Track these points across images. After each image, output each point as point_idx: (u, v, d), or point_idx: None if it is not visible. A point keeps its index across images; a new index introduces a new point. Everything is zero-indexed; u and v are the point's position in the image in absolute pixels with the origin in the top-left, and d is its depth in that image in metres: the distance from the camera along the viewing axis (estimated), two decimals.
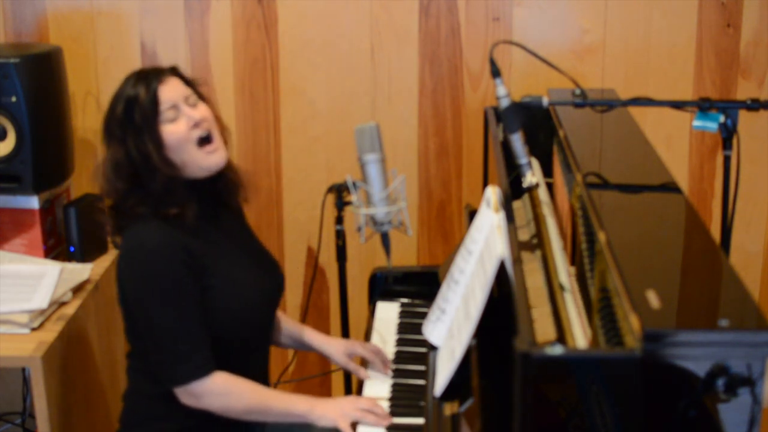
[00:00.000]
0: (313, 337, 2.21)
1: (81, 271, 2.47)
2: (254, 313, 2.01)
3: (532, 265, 1.80)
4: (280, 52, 2.82)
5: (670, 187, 1.72)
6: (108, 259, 2.64)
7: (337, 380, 3.05)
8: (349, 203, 2.22)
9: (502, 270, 1.70)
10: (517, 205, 2.13)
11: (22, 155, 2.44)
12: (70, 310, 2.32)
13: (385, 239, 2.13)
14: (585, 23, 2.78)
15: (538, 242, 1.86)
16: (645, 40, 2.78)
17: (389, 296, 2.41)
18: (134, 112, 1.90)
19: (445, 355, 1.91)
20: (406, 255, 2.92)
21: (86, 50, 2.82)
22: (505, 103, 1.90)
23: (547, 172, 2.20)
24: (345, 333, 2.45)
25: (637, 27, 2.77)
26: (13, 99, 2.40)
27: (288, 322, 2.23)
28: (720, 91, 2.80)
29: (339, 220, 2.30)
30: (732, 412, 1.22)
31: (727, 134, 1.97)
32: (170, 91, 1.93)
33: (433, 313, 2.04)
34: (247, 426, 1.96)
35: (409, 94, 2.85)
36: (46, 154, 2.49)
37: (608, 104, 2.01)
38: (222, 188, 2.04)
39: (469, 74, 2.82)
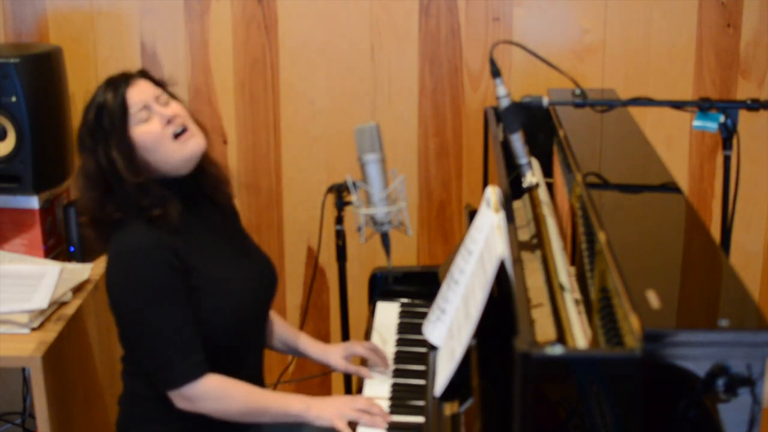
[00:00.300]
0: (309, 346, 2.20)
1: (81, 271, 2.47)
2: (245, 312, 2.00)
3: (532, 265, 1.80)
4: (280, 52, 2.82)
5: (670, 187, 1.72)
6: None
7: (337, 380, 3.05)
8: (349, 203, 2.22)
9: (502, 270, 1.70)
10: (517, 205, 2.13)
11: (22, 155, 2.44)
12: (70, 310, 2.32)
13: (385, 239, 2.13)
14: (585, 23, 2.78)
15: (538, 242, 1.86)
16: (645, 40, 2.78)
17: (389, 296, 2.41)
18: (103, 118, 1.90)
19: (445, 355, 1.91)
20: (406, 255, 2.92)
21: (86, 50, 2.82)
22: (505, 103, 1.90)
23: (547, 172, 2.20)
24: (345, 333, 2.45)
25: (637, 27, 2.77)
26: (13, 99, 2.40)
27: (284, 328, 2.21)
28: (720, 91, 2.80)
29: (339, 220, 2.30)
30: (732, 412, 1.22)
31: (727, 134, 1.97)
32: (139, 93, 1.92)
33: (433, 313, 2.04)
34: (242, 428, 1.96)
35: (409, 94, 2.85)
36: (46, 154, 2.49)
37: (608, 104, 2.01)
38: (205, 185, 2.03)
39: (469, 74, 2.82)
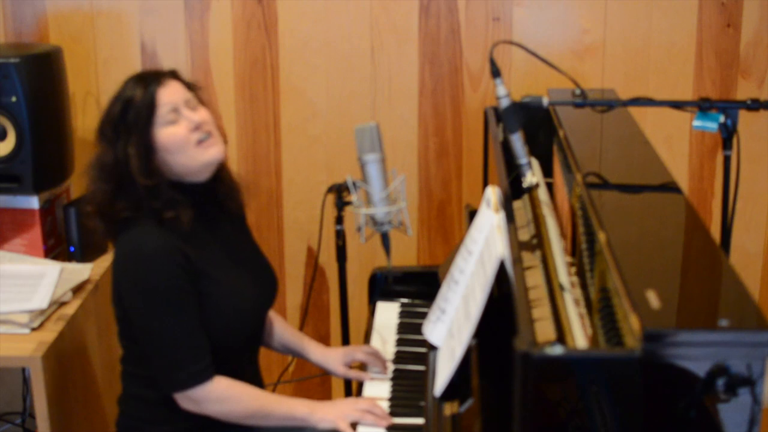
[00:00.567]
0: (309, 349, 2.21)
1: (81, 271, 2.47)
2: (245, 320, 2.00)
3: (532, 265, 1.80)
4: (280, 52, 2.82)
5: (670, 187, 1.72)
6: (108, 259, 2.64)
7: (337, 381, 3.05)
8: (349, 203, 2.22)
9: (502, 270, 1.70)
10: (517, 205, 2.13)
11: (22, 155, 2.44)
12: (70, 310, 2.32)
13: (385, 239, 2.13)
14: (585, 23, 2.78)
15: (538, 242, 1.86)
16: (645, 40, 2.78)
17: (389, 296, 2.41)
18: (129, 114, 1.88)
19: (445, 355, 1.91)
20: (406, 255, 2.92)
21: (86, 50, 2.82)
22: (505, 103, 1.90)
23: (547, 172, 2.20)
24: (345, 333, 2.45)
25: (637, 27, 2.77)
26: (13, 99, 2.40)
27: (284, 329, 2.21)
28: (720, 91, 2.80)
29: (339, 220, 2.30)
30: (732, 412, 1.22)
31: (727, 134, 1.97)
32: (170, 94, 1.91)
33: (433, 313, 2.04)
34: (245, 429, 1.96)
35: (409, 94, 2.85)
36: (46, 154, 2.49)
37: (608, 104, 2.01)
38: (219, 192, 2.03)
39: (469, 74, 2.82)
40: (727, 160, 2.01)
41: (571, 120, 2.10)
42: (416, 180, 2.90)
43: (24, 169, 2.45)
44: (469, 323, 1.77)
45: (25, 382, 2.70)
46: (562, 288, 1.64)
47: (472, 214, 2.12)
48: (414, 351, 2.16)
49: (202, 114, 1.94)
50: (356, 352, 2.14)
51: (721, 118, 1.95)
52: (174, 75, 1.97)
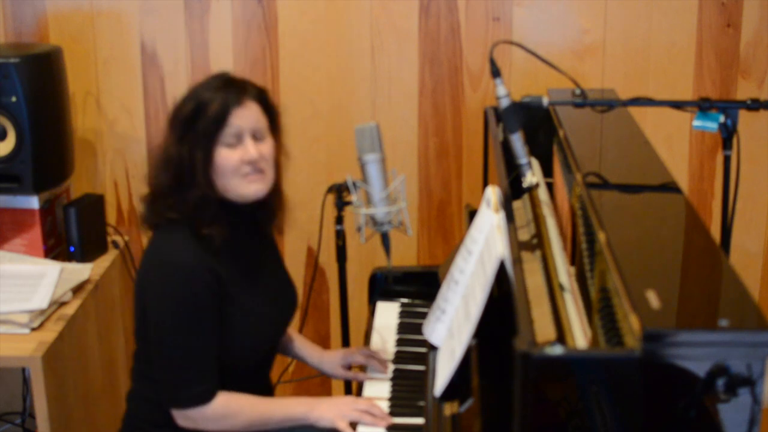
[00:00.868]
0: (306, 350, 2.21)
1: (81, 271, 2.47)
2: (262, 341, 2.02)
3: (532, 265, 1.80)
4: (280, 52, 2.82)
5: (670, 187, 1.72)
6: (108, 259, 2.64)
7: (337, 381, 3.05)
8: (349, 203, 2.22)
9: (502, 270, 1.70)
10: (517, 205, 2.13)
11: (22, 155, 2.44)
12: (70, 310, 2.32)
13: (385, 239, 2.13)
14: (585, 23, 2.78)
15: (538, 242, 1.86)
16: (645, 40, 2.78)
17: (389, 296, 2.42)
18: (199, 120, 1.85)
19: (445, 355, 1.91)
20: (406, 255, 2.92)
21: (86, 50, 2.82)
22: (505, 103, 1.90)
23: (547, 172, 2.20)
24: (345, 332, 2.45)
25: (637, 27, 2.77)
26: (13, 99, 2.40)
27: (287, 334, 2.22)
28: (720, 91, 2.80)
29: (339, 220, 2.30)
30: (732, 412, 1.22)
31: (727, 134, 1.97)
32: (242, 117, 1.87)
33: (433, 313, 2.04)
34: None
35: (409, 94, 2.85)
36: (46, 154, 2.49)
37: (608, 104, 2.01)
38: (261, 216, 2.01)
39: (469, 74, 2.82)
40: (727, 160, 2.01)
41: (571, 120, 2.10)
42: (416, 180, 2.90)
43: (24, 169, 2.45)
44: (469, 323, 1.77)
45: (25, 382, 2.70)
46: (562, 288, 1.64)
47: (472, 214, 2.12)
48: (414, 351, 2.16)
49: (263, 148, 1.90)
50: (355, 355, 2.14)
51: (721, 118, 1.95)
52: (258, 96, 1.91)
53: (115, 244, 2.72)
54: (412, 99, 2.85)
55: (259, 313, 1.97)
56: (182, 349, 1.85)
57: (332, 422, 1.89)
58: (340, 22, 2.79)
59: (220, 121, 1.85)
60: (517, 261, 1.59)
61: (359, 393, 2.05)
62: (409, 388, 2.02)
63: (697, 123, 1.96)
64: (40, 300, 2.26)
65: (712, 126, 1.96)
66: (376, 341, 2.22)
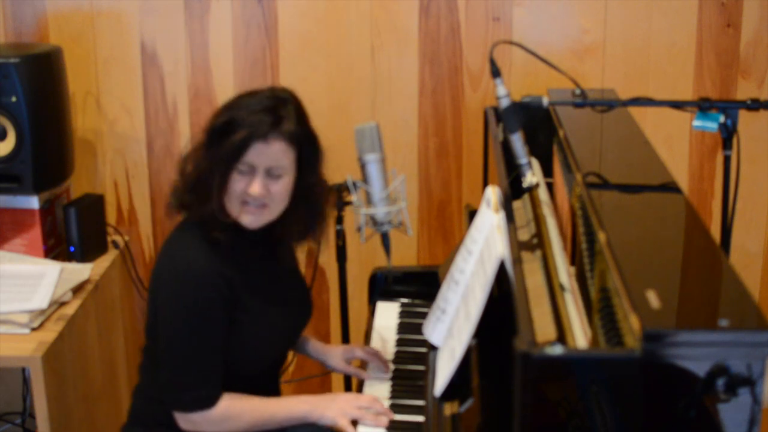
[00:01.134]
0: (309, 344, 2.21)
1: (81, 271, 2.47)
2: (273, 349, 2.02)
3: (532, 265, 1.80)
4: (280, 52, 2.82)
5: (670, 187, 1.72)
6: (108, 258, 2.64)
7: (337, 380, 3.05)
8: (349, 203, 2.22)
9: (502, 270, 1.70)
10: (517, 205, 2.13)
11: (22, 155, 2.44)
12: (70, 310, 2.32)
13: (385, 239, 2.13)
14: (585, 23, 2.78)
15: (538, 242, 1.86)
16: (645, 40, 2.78)
17: (389, 296, 2.42)
18: (225, 140, 1.83)
19: (445, 355, 1.91)
20: (406, 255, 2.92)
21: (86, 50, 2.82)
22: (505, 103, 1.90)
23: (547, 172, 2.20)
24: (345, 332, 2.45)
25: (637, 27, 2.77)
26: (13, 99, 2.40)
27: None
28: (720, 91, 2.80)
29: (339, 220, 2.30)
30: (732, 412, 1.22)
31: (727, 134, 1.97)
32: (261, 155, 1.83)
33: (433, 313, 2.04)
34: None
35: (409, 94, 2.85)
36: (46, 154, 2.49)
37: (608, 104, 2.01)
38: (277, 225, 1.97)
39: (469, 74, 2.82)
40: (727, 160, 2.01)
41: (571, 120, 2.10)
42: (416, 180, 2.90)
43: (24, 169, 2.45)
44: (469, 323, 1.77)
45: (25, 382, 2.70)
46: (562, 288, 1.64)
47: (472, 214, 2.12)
48: (414, 351, 2.16)
49: (274, 187, 1.86)
50: (356, 349, 2.14)
51: (721, 118, 1.95)
52: (289, 133, 1.87)
53: (115, 244, 2.72)
54: (412, 99, 2.85)
55: (270, 321, 1.97)
56: (189, 352, 1.86)
57: (334, 420, 1.89)
58: (340, 22, 2.79)
59: (239, 151, 1.82)
60: (517, 261, 1.59)
61: (359, 392, 2.05)
62: (409, 388, 2.02)
63: (697, 123, 1.97)
64: (40, 300, 2.26)
65: (712, 126, 1.96)
66: (376, 341, 2.22)
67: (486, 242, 1.85)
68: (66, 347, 2.25)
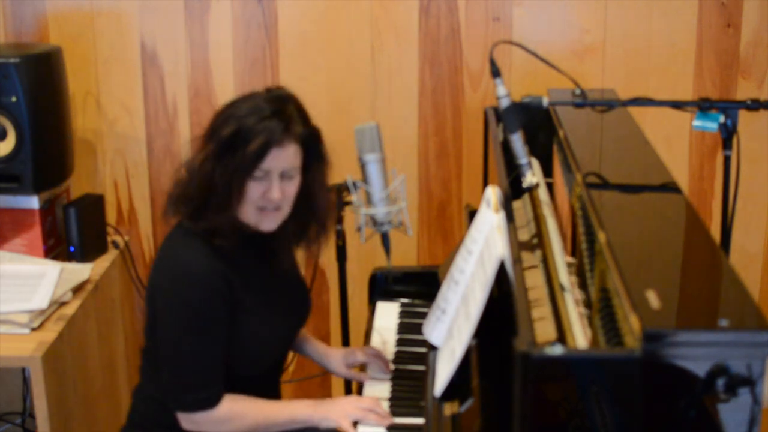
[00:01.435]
0: (310, 346, 2.21)
1: (81, 271, 2.47)
2: (272, 350, 2.02)
3: (532, 265, 1.80)
4: (280, 52, 2.82)
5: (670, 187, 1.72)
6: (108, 259, 2.64)
7: (338, 380, 3.05)
8: (349, 203, 2.22)
9: (502, 270, 1.70)
10: (517, 205, 2.13)
11: (22, 155, 2.44)
12: (70, 310, 2.32)
13: (385, 239, 2.13)
14: (585, 23, 2.77)
15: (538, 242, 1.86)
16: (645, 40, 2.78)
17: (389, 296, 2.41)
18: (239, 151, 1.81)
19: (445, 355, 1.91)
20: (406, 255, 2.92)
21: (86, 50, 2.82)
22: (505, 103, 1.90)
23: (547, 172, 2.20)
24: (345, 332, 2.45)
25: (637, 27, 2.77)
26: (13, 99, 2.40)
27: None
28: (720, 91, 2.80)
29: (339, 220, 2.30)
30: (732, 412, 1.22)
31: (727, 134, 1.97)
32: (278, 159, 1.83)
33: (433, 313, 2.04)
34: None
35: (409, 94, 2.84)
36: (46, 154, 2.49)
37: (608, 104, 2.01)
38: (275, 244, 1.99)
39: (469, 74, 2.82)
40: (727, 160, 2.01)
41: (571, 120, 2.10)
42: (416, 180, 2.90)
43: (24, 169, 2.45)
44: (469, 323, 1.77)
45: (25, 382, 2.70)
46: (562, 288, 1.64)
47: (472, 214, 2.12)
48: (414, 351, 2.16)
49: (287, 188, 1.87)
50: (357, 353, 2.14)
51: (721, 118, 1.95)
52: (300, 135, 1.88)
53: (115, 244, 2.72)
54: (412, 99, 2.85)
55: (270, 322, 1.97)
56: (190, 353, 1.86)
57: (336, 422, 1.89)
58: (340, 22, 2.79)
59: (258, 159, 1.82)
60: (517, 261, 1.59)
61: (359, 393, 2.05)
62: (409, 388, 2.02)
63: (697, 123, 1.96)
64: (40, 300, 2.26)
65: (712, 126, 1.96)
66: (376, 341, 2.22)
67: (486, 242, 1.85)
68: (66, 347, 2.25)
